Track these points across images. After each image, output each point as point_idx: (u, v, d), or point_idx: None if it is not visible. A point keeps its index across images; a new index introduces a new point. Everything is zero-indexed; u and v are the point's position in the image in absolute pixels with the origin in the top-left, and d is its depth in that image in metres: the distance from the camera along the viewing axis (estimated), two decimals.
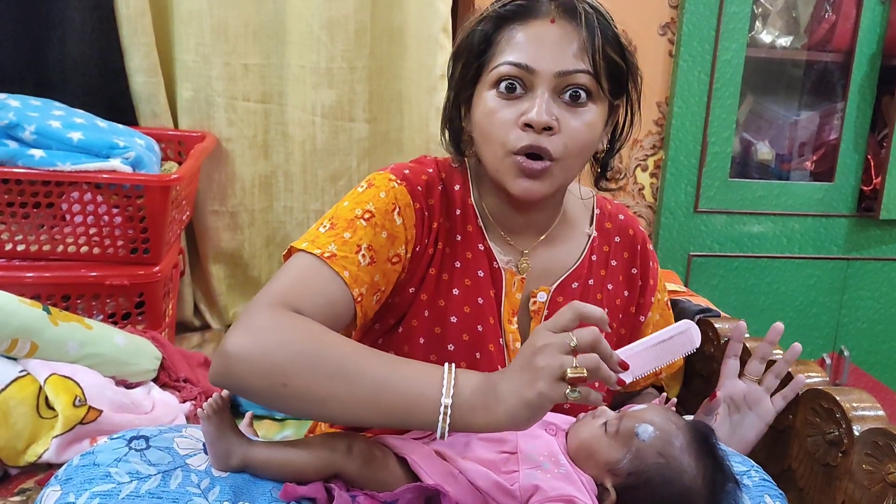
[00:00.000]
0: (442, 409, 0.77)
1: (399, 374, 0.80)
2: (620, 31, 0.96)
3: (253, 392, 0.81)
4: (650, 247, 1.16)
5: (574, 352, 0.76)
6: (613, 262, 1.11)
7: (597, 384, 0.87)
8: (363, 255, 0.92)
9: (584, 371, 0.75)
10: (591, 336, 0.77)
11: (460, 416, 0.78)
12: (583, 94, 0.93)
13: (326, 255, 0.90)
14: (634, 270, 1.13)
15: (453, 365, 0.81)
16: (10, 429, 1.19)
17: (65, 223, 1.64)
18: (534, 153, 0.92)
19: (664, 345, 0.86)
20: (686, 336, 0.86)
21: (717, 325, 1.28)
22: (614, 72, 0.95)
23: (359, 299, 0.92)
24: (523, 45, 0.92)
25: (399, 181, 0.98)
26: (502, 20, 0.94)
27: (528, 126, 0.91)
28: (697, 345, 0.89)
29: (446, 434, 0.78)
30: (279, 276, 0.90)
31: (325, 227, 0.94)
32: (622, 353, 0.82)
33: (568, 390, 0.75)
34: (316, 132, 2.02)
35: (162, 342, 1.49)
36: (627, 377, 0.82)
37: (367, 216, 0.94)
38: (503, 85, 0.93)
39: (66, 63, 1.90)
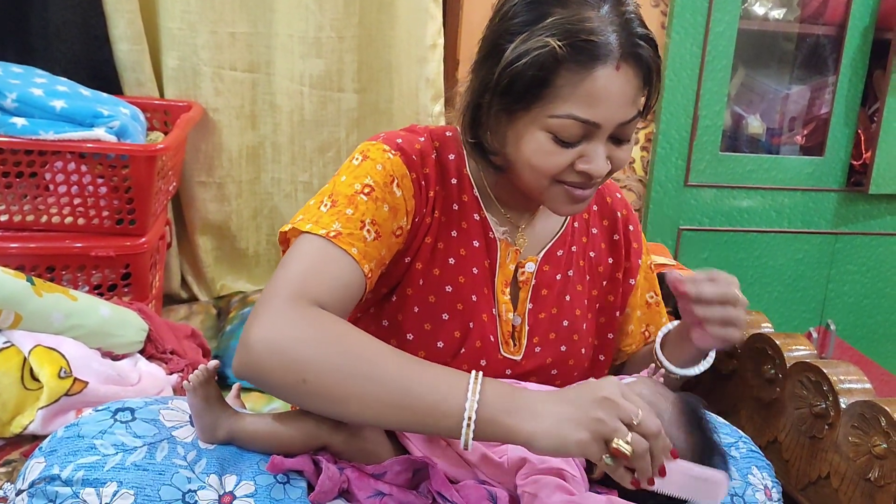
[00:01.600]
0: (465, 419, 0.77)
1: (422, 378, 0.80)
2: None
3: (273, 386, 0.81)
4: (630, 212, 1.16)
5: (632, 428, 0.75)
6: (594, 231, 1.12)
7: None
8: (368, 231, 0.91)
9: (630, 450, 0.74)
10: (655, 426, 0.76)
11: (483, 426, 0.77)
12: (631, 132, 0.92)
13: (332, 234, 0.89)
14: (616, 237, 1.13)
15: (480, 373, 0.80)
16: None
17: (49, 193, 1.62)
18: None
19: (699, 483, 0.82)
20: (718, 488, 0.81)
21: None
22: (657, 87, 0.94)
23: (369, 275, 0.91)
24: (590, 100, 0.87)
25: (394, 151, 0.96)
26: (566, 59, 0.85)
27: (584, 171, 0.91)
28: (720, 500, 0.82)
29: (470, 444, 0.78)
30: (291, 263, 0.88)
31: (325, 205, 0.92)
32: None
33: (606, 455, 0.75)
34: (304, 102, 1.99)
35: (148, 314, 1.48)
36: (655, 486, 0.79)
37: (366, 190, 0.93)
38: (565, 137, 0.89)
39: (49, 29, 1.86)
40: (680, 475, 0.80)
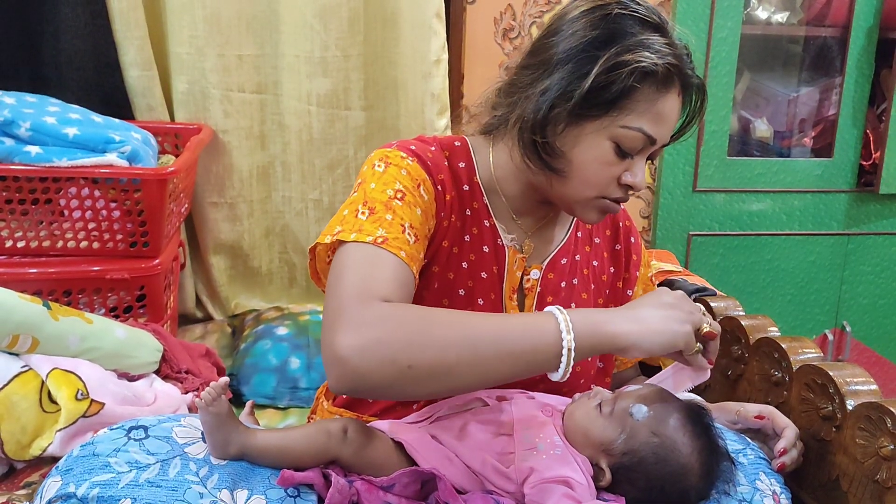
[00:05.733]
0: (564, 348, 0.84)
1: (512, 326, 0.85)
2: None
3: (379, 385, 0.81)
4: (631, 223, 1.19)
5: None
6: (597, 240, 1.14)
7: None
8: (409, 234, 0.93)
9: (718, 328, 0.92)
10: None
11: (584, 340, 0.85)
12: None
13: (379, 240, 0.90)
14: (618, 247, 1.15)
15: (561, 307, 0.87)
16: (15, 423, 1.21)
17: (63, 219, 1.65)
18: None
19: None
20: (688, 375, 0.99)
21: (712, 304, 1.28)
22: None
23: (416, 277, 0.93)
24: (658, 118, 0.94)
25: (411, 158, 0.99)
26: (653, 77, 0.92)
27: (627, 185, 0.98)
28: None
29: (569, 371, 0.85)
30: (347, 273, 0.88)
31: (363, 213, 0.93)
32: None
33: (697, 344, 0.91)
34: (312, 121, 2.02)
35: (163, 334, 1.50)
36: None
37: (399, 195, 0.95)
38: (627, 148, 0.95)
39: (61, 58, 1.90)
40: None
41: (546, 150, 0.97)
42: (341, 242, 0.91)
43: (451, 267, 1.01)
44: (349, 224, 0.92)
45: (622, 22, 0.93)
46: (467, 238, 1.03)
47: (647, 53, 0.91)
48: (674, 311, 0.89)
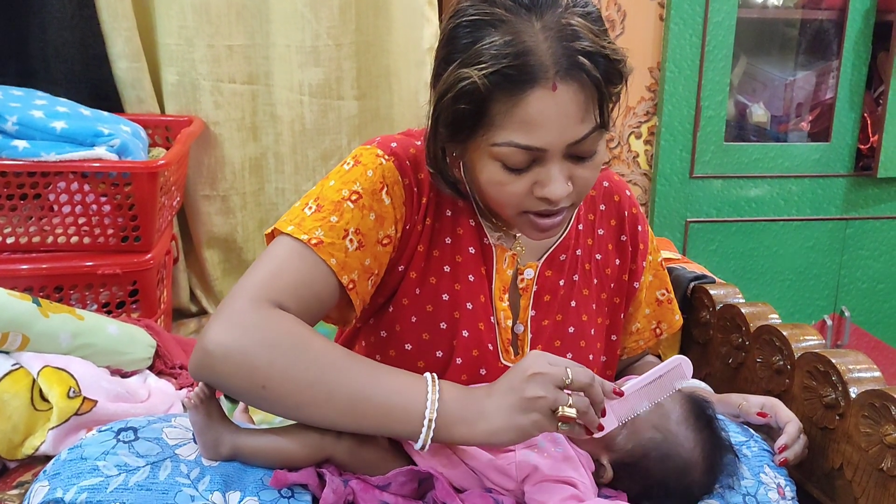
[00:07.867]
0: (426, 422, 0.80)
1: (381, 387, 0.82)
2: (611, 39, 0.84)
3: (231, 389, 0.82)
4: (638, 210, 1.13)
5: (567, 388, 0.80)
6: (601, 231, 1.09)
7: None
8: (350, 241, 0.90)
9: (575, 413, 0.79)
10: (587, 378, 0.81)
11: (441, 429, 0.81)
12: (593, 147, 0.87)
13: (313, 241, 0.88)
14: (624, 237, 1.10)
15: (435, 376, 0.83)
16: (6, 422, 1.19)
17: (53, 214, 1.63)
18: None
19: (654, 384, 0.86)
20: (677, 370, 0.86)
21: (711, 292, 1.27)
22: (616, 94, 0.87)
23: (350, 286, 0.90)
24: (526, 125, 0.82)
25: (387, 157, 0.94)
26: (493, 88, 0.81)
27: (542, 197, 0.87)
28: (689, 377, 0.87)
29: (427, 445, 0.81)
30: (263, 263, 0.88)
31: (310, 208, 0.91)
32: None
33: (560, 424, 0.80)
34: (304, 112, 2.00)
35: (156, 330, 1.48)
36: (611, 423, 0.84)
37: (354, 197, 0.91)
38: (511, 164, 0.85)
39: (48, 51, 1.87)
40: (634, 395, 0.84)
41: (444, 180, 0.94)
42: (279, 231, 0.90)
43: (432, 271, 0.98)
44: (293, 215, 0.92)
45: (456, 34, 0.84)
46: (448, 240, 0.99)
47: (466, 71, 0.81)
48: (515, 398, 0.80)
